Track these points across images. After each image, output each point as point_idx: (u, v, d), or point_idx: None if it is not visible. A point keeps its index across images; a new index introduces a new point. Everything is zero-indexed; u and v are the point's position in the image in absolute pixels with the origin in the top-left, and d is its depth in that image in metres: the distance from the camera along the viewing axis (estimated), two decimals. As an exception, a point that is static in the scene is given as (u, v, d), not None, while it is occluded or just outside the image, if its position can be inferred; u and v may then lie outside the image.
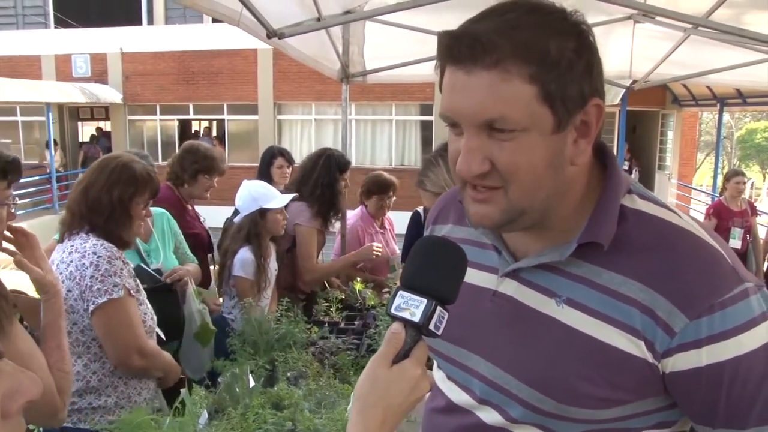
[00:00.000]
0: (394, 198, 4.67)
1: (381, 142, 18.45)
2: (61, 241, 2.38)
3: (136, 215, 2.41)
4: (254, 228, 3.47)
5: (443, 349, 1.20)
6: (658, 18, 3.64)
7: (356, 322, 3.52)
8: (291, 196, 3.64)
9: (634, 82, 5.25)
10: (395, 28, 3.79)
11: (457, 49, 0.94)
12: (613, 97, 12.19)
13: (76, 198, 2.36)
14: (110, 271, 2.24)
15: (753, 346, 0.94)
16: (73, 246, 2.29)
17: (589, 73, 0.96)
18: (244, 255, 3.45)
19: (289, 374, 2.57)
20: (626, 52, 4.73)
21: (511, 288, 1.11)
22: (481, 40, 0.92)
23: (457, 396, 1.19)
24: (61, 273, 2.24)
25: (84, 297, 2.23)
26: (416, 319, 0.93)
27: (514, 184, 0.97)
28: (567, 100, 0.95)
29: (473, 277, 1.16)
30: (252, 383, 2.34)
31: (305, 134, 18.55)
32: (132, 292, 2.31)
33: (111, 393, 2.33)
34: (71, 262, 2.25)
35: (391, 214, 4.85)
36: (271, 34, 2.72)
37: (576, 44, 0.95)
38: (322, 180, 3.98)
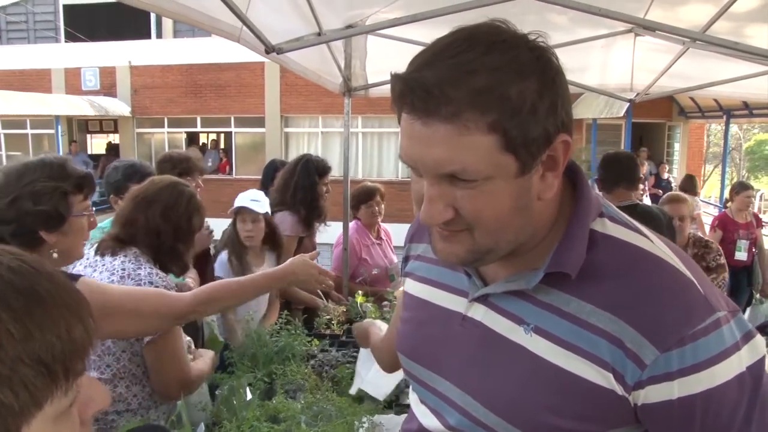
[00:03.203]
0: (383, 204, 4.68)
1: (387, 155, 18.48)
2: (100, 254, 2.29)
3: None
4: (232, 230, 3.62)
5: (416, 372, 1.20)
6: (657, 32, 3.65)
7: None
8: (264, 204, 3.63)
9: (638, 94, 5.25)
10: (398, 42, 3.82)
11: (410, 99, 0.90)
12: (618, 110, 12.24)
13: (153, 217, 2.30)
14: None
15: (725, 378, 0.92)
16: (125, 270, 2.20)
17: (553, 111, 0.91)
18: (223, 257, 3.59)
19: (287, 387, 2.57)
20: (627, 65, 4.74)
21: (479, 313, 1.09)
22: (434, 94, 0.87)
23: (428, 421, 1.18)
24: None
25: None
26: None
27: (479, 228, 0.95)
28: (530, 144, 0.90)
29: (444, 299, 1.16)
30: (249, 396, 2.35)
31: (312, 147, 18.59)
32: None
33: (144, 414, 2.33)
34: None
35: (394, 226, 4.86)
36: (269, 49, 2.75)
37: (539, 84, 0.89)
38: (302, 183, 4.01)
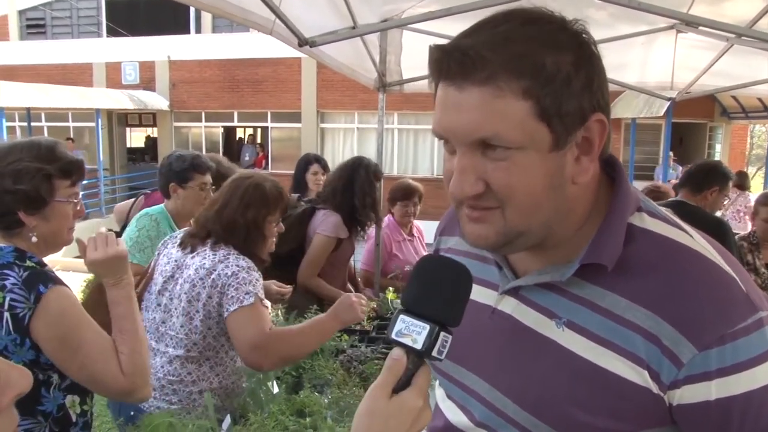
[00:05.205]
0: (419, 205, 4.64)
1: (423, 152, 18.44)
2: (186, 249, 2.45)
3: (270, 234, 2.49)
4: None
5: (443, 366, 1.16)
6: (701, 27, 3.56)
7: (387, 331, 3.49)
8: None
9: (678, 93, 5.14)
10: (434, 37, 3.78)
11: (447, 64, 0.89)
12: (658, 109, 12.00)
13: (211, 218, 2.44)
14: (246, 280, 2.30)
15: (767, 381, 0.88)
16: (216, 257, 2.36)
17: (588, 87, 0.90)
18: None
19: (314, 382, 2.56)
20: (668, 62, 4.64)
21: (510, 306, 1.06)
22: (470, 55, 0.87)
23: (455, 416, 1.15)
24: (201, 279, 2.33)
25: (222, 302, 2.32)
26: (418, 346, 0.88)
27: (510, 205, 0.92)
28: (565, 117, 0.89)
29: (474, 292, 1.10)
30: (276, 389, 2.35)
31: (348, 143, 18.65)
32: (263, 301, 2.35)
33: (222, 393, 2.44)
34: (215, 270, 2.33)
35: (429, 224, 4.82)
36: (302, 42, 2.74)
37: (574, 57, 0.89)
38: (366, 189, 3.92)
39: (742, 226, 9.09)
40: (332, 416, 2.18)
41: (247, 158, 20.07)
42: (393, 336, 0.90)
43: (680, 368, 0.89)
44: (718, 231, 3.62)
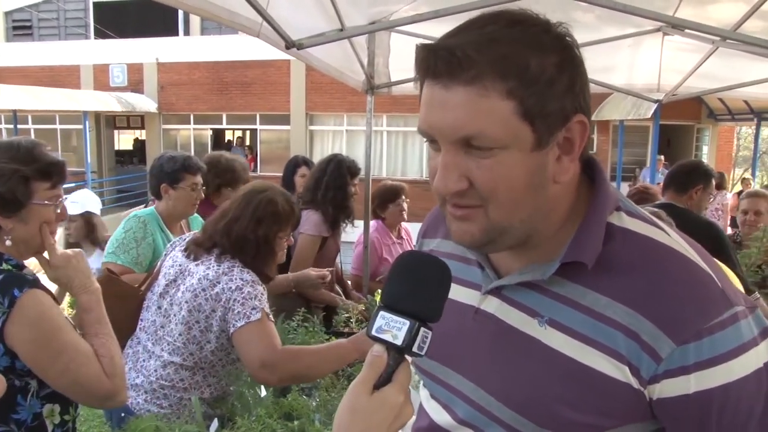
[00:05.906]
0: (407, 200, 4.66)
1: (412, 154, 18.46)
2: (190, 257, 2.43)
3: (279, 249, 2.48)
4: None
5: (427, 366, 1.17)
6: (687, 30, 3.58)
7: (367, 328, 3.48)
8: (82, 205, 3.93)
9: (665, 95, 5.17)
10: (422, 40, 3.77)
11: (434, 63, 0.91)
12: (645, 111, 12.06)
13: (220, 230, 2.41)
14: (251, 294, 2.28)
15: (743, 373, 0.91)
16: (220, 268, 2.34)
17: (571, 89, 0.93)
18: None
19: (302, 385, 2.56)
20: (655, 65, 4.66)
21: (493, 306, 1.08)
22: (457, 55, 0.89)
23: (439, 416, 1.16)
24: (204, 290, 2.31)
25: (226, 318, 2.29)
26: (399, 342, 0.88)
27: (492, 203, 0.94)
28: (547, 117, 0.91)
29: (457, 293, 1.13)
30: (264, 393, 2.34)
31: (337, 145, 18.63)
32: (269, 316, 2.34)
33: (211, 402, 2.42)
34: (219, 283, 2.30)
35: (416, 225, 4.82)
36: (289, 44, 2.73)
37: (558, 59, 0.92)
38: (333, 183, 3.96)
39: (721, 224, 9.39)
40: (320, 419, 2.18)
41: (235, 160, 20.03)
42: (373, 332, 0.91)
43: (659, 363, 0.91)
44: (710, 233, 3.65)
